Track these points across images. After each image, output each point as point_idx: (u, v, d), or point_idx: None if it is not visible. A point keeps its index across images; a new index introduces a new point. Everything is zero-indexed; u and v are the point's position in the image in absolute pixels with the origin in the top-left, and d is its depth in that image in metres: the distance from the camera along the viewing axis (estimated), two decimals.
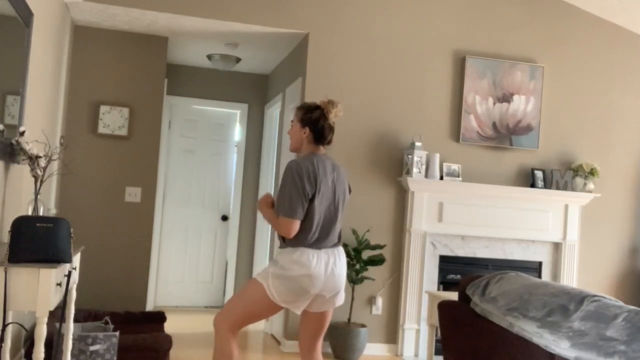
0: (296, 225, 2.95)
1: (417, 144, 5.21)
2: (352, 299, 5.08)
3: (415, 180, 5.18)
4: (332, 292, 3.04)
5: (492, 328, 2.76)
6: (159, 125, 5.60)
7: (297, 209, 2.94)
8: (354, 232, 5.10)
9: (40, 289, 2.41)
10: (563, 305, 2.48)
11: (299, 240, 2.99)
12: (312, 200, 2.99)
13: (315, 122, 3.10)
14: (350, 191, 3.25)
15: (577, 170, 5.52)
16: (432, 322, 4.28)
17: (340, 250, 3.12)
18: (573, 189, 5.50)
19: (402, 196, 5.36)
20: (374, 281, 5.21)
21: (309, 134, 3.11)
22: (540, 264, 5.55)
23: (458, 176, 5.34)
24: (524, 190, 5.41)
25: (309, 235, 2.99)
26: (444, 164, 5.34)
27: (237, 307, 3.06)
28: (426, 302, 5.13)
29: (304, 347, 3.17)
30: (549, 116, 5.66)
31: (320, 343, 3.18)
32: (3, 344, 2.65)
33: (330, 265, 3.01)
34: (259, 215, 6.68)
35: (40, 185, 3.18)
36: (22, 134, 3.19)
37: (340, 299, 3.12)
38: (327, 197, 3.05)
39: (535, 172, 5.50)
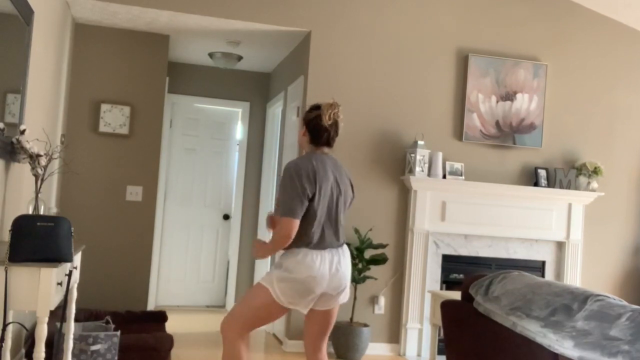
0: (295, 225, 2.93)
1: (420, 142, 5.19)
2: (355, 298, 5.07)
3: (417, 179, 5.17)
4: (338, 290, 3.04)
5: (495, 327, 2.75)
6: (160, 123, 5.59)
7: (296, 208, 2.93)
8: (356, 231, 5.08)
9: (41, 289, 2.40)
10: (566, 305, 2.46)
11: (302, 241, 2.97)
12: (312, 200, 2.97)
13: (310, 121, 3.11)
14: (353, 193, 3.22)
15: (580, 169, 5.50)
16: (435, 321, 4.27)
17: (345, 249, 3.11)
18: (577, 188, 5.48)
19: (404, 195, 5.34)
20: (376, 280, 5.19)
21: (307, 134, 3.13)
22: (543, 263, 5.53)
23: (461, 175, 5.33)
24: (527, 189, 5.39)
25: (311, 236, 2.97)
26: (447, 163, 5.33)
27: (244, 312, 3.05)
28: (429, 302, 5.12)
29: (309, 346, 3.15)
30: (552, 114, 5.64)
31: (325, 342, 3.17)
32: (4, 344, 2.64)
33: (334, 264, 3.01)
34: (261, 214, 6.67)
35: (41, 184, 3.17)
36: (22, 132, 3.18)
37: (345, 296, 3.12)
38: (329, 196, 3.03)
39: (539, 170, 5.48)
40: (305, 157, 3.08)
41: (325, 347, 3.17)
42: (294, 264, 2.96)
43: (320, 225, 3.00)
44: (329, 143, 3.13)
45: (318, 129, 3.08)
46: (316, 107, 3.12)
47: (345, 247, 3.12)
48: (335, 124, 3.10)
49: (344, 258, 3.07)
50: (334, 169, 3.09)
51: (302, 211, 2.95)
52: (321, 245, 3.00)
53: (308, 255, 2.96)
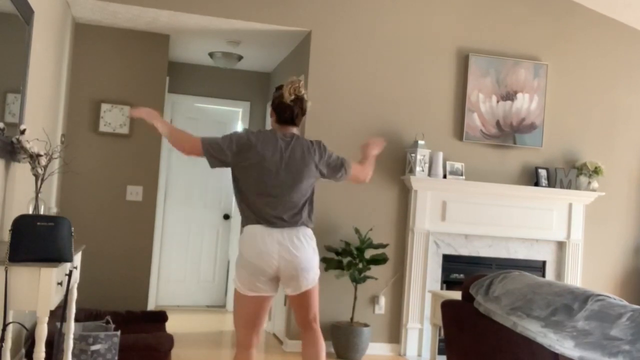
0: (198, 147, 3.10)
1: (420, 142, 5.19)
2: (355, 298, 5.06)
3: (418, 179, 5.16)
4: (292, 271, 2.97)
5: (496, 327, 2.74)
6: None
7: (211, 143, 3.07)
8: (357, 231, 5.07)
9: (41, 288, 2.40)
10: (567, 305, 2.46)
11: (247, 218, 3.05)
12: (238, 170, 3.04)
13: (274, 101, 3.16)
14: (319, 171, 3.15)
15: (581, 169, 5.50)
16: (435, 321, 4.26)
17: (302, 230, 3.04)
18: (577, 188, 5.47)
19: (405, 195, 5.33)
20: (376, 280, 5.19)
21: (274, 114, 3.17)
22: (544, 263, 5.53)
23: (461, 175, 5.32)
24: (527, 189, 5.39)
25: (248, 212, 3.04)
26: (447, 163, 5.32)
27: (234, 318, 3.11)
28: (429, 302, 5.11)
29: (300, 325, 3.18)
30: (553, 114, 5.63)
31: (314, 321, 3.13)
32: (4, 344, 2.64)
33: (285, 242, 2.97)
34: None
35: (41, 183, 3.17)
36: (22, 132, 3.18)
37: (309, 279, 3.03)
38: (270, 173, 3.01)
39: (539, 170, 5.48)
40: (255, 130, 3.15)
41: (316, 324, 3.13)
42: (242, 242, 3.04)
43: (258, 202, 3.02)
44: (293, 121, 3.13)
45: (280, 107, 3.11)
46: (280, 87, 3.16)
47: (303, 228, 3.04)
48: (299, 101, 3.09)
49: (297, 238, 3.00)
50: (285, 147, 3.05)
51: (212, 153, 3.07)
52: (264, 222, 3.00)
53: (252, 230, 3.01)
